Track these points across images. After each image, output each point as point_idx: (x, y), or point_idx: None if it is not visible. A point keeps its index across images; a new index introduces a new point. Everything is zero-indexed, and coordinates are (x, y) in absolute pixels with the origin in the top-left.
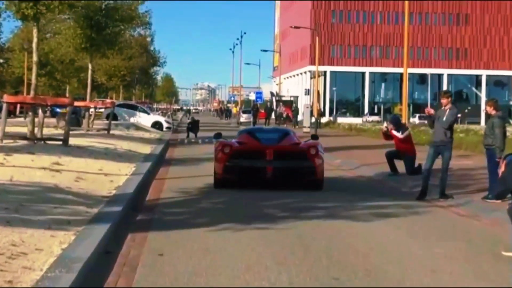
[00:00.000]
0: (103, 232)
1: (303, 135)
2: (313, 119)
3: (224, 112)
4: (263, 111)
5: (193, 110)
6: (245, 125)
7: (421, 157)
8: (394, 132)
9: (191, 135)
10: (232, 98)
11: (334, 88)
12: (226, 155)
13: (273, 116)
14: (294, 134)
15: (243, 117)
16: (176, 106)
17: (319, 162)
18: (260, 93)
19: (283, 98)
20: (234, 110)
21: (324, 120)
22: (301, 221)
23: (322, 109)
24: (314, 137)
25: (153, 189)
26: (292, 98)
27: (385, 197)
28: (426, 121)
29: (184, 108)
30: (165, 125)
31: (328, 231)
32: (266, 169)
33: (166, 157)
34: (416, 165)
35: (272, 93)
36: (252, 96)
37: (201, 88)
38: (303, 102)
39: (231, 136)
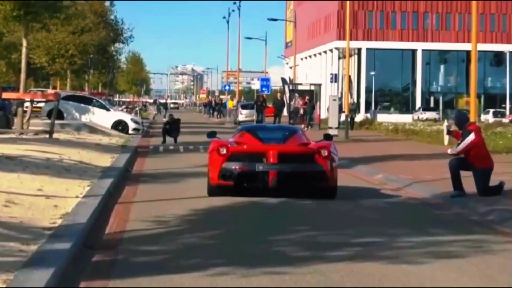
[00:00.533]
0: (44, 279)
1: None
2: (343, 117)
3: (216, 107)
4: (271, 105)
5: (171, 105)
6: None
7: (500, 170)
8: (467, 138)
9: (169, 140)
10: (227, 88)
11: (372, 73)
12: (222, 157)
13: (285, 112)
14: (303, 132)
15: (243, 115)
16: (147, 99)
17: (332, 166)
18: (267, 80)
19: (300, 87)
20: (229, 105)
21: (358, 118)
22: (327, 264)
23: (355, 102)
24: (327, 136)
25: (115, 217)
26: (312, 87)
27: (446, 229)
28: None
29: (159, 101)
30: (131, 125)
31: (364, 278)
32: (269, 173)
33: (134, 171)
34: (491, 182)
35: (284, 80)
36: (256, 85)
37: (182, 74)
38: (328, 93)
39: (227, 137)
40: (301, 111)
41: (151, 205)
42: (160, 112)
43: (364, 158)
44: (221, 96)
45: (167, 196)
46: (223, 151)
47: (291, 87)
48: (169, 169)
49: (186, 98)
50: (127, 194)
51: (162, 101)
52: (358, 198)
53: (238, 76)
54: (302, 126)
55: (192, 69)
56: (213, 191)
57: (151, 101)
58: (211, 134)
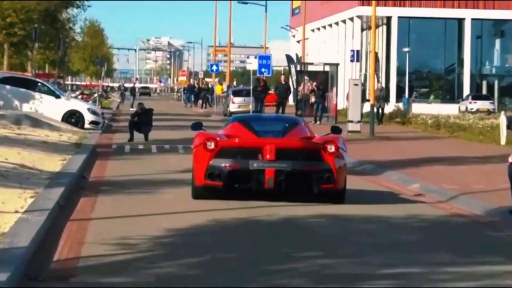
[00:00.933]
0: None
1: (348, 137)
2: (367, 107)
3: (201, 93)
4: (272, 91)
5: (141, 91)
6: None
7: None
8: None
9: (138, 136)
10: (215, 68)
11: (406, 49)
12: (209, 153)
13: (291, 100)
14: (306, 124)
15: (236, 104)
16: (109, 83)
17: (340, 164)
18: (267, 58)
19: (311, 68)
20: (218, 90)
21: (388, 109)
22: None
23: (383, 88)
24: (335, 129)
25: (67, 239)
26: (327, 68)
27: (503, 256)
28: None
29: (124, 86)
30: (88, 117)
31: None
32: (265, 172)
33: (91, 178)
34: None
35: (289, 59)
36: (253, 64)
37: (156, 49)
38: (347, 75)
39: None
40: (312, 99)
41: (114, 223)
42: (124, 100)
43: (395, 162)
44: (207, 80)
45: (135, 211)
46: (211, 145)
47: (298, 68)
48: (138, 176)
49: (160, 81)
50: (83, 208)
51: (129, 85)
52: (387, 215)
53: (229, 53)
54: (312, 122)
55: (169, 44)
56: (199, 193)
57: (115, 85)
58: (196, 126)
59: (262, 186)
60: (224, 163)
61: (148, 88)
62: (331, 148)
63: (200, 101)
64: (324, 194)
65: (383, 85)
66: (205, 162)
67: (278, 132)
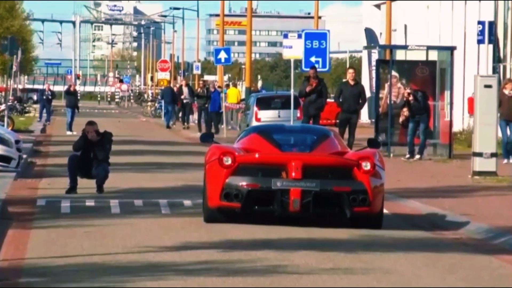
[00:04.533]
0: None
1: (475, 184)
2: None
3: (199, 102)
4: (330, 100)
5: (47, 94)
6: None
7: None
8: None
9: (85, 183)
10: (222, 57)
11: None
12: (226, 170)
13: (364, 115)
14: (337, 136)
15: (263, 122)
16: (25, 85)
17: (376, 184)
18: (322, 36)
19: (401, 54)
20: (231, 98)
21: None
22: None
23: None
24: (373, 142)
25: None
26: (433, 55)
27: None
28: None
29: (51, 91)
30: None
31: None
32: (290, 193)
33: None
34: None
35: (370, 35)
36: (293, 49)
37: (112, 22)
38: (469, 69)
39: None
40: (404, 114)
41: None
42: (50, 115)
43: None
44: (208, 79)
45: None
46: (228, 161)
47: (377, 53)
48: (86, 259)
49: (121, 81)
50: None
51: (68, 88)
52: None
53: (249, 28)
54: (407, 155)
55: (136, 11)
56: (212, 216)
57: (38, 88)
58: (206, 137)
59: (287, 208)
60: (243, 182)
61: (51, 93)
62: (367, 166)
63: (196, 118)
64: (357, 218)
65: None
66: (221, 180)
67: (305, 146)
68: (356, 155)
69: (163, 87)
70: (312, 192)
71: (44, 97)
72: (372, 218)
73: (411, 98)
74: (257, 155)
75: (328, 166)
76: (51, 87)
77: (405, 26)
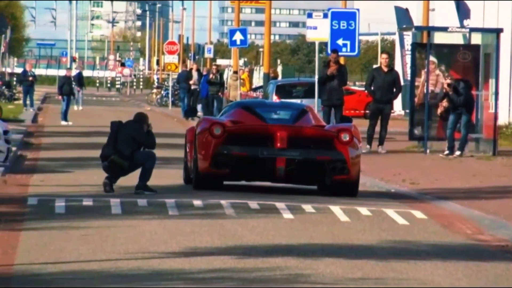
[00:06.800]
0: None
1: None
2: None
3: (212, 90)
4: (359, 88)
5: (22, 77)
6: None
7: None
8: None
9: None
10: (238, 38)
11: None
12: (216, 139)
13: (398, 106)
14: (313, 111)
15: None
16: (15, 69)
17: (354, 154)
18: (350, 16)
19: (440, 38)
20: (244, 85)
21: None
22: None
23: None
24: (345, 118)
25: None
26: (476, 38)
27: None
28: None
29: (31, 72)
30: None
31: None
32: (276, 161)
33: None
34: None
35: (401, 15)
36: (318, 30)
37: None
38: None
39: None
40: (443, 105)
41: None
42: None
43: None
44: (221, 63)
45: None
46: (218, 130)
47: (411, 35)
48: (83, 265)
49: (122, 65)
50: None
51: (56, 72)
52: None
53: (269, 8)
54: (446, 152)
55: None
56: (201, 182)
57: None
58: (190, 113)
59: (273, 175)
60: (232, 150)
61: (28, 75)
62: (346, 137)
63: (206, 107)
64: (336, 185)
65: None
66: (211, 149)
67: (288, 120)
68: (335, 128)
69: (179, 71)
70: (296, 160)
71: (30, 79)
72: (349, 185)
73: (450, 91)
74: (245, 126)
75: (311, 137)
76: (31, 70)
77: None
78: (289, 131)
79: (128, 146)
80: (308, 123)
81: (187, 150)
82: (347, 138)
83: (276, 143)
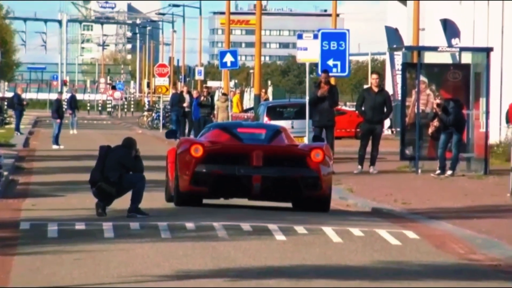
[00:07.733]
0: None
1: None
2: None
3: (203, 112)
4: (349, 108)
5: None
6: None
7: None
8: None
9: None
10: (228, 60)
11: None
12: (195, 159)
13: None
14: (286, 131)
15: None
16: (5, 93)
17: (326, 171)
18: (340, 37)
19: (431, 58)
20: (235, 107)
21: None
22: None
23: None
24: (317, 138)
25: None
26: (467, 57)
27: None
28: None
29: (21, 98)
30: None
31: None
32: (252, 178)
33: None
34: None
35: (391, 35)
36: (308, 51)
37: (103, 21)
38: (507, 73)
39: None
40: (434, 125)
41: None
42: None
43: None
44: (212, 85)
45: None
46: (197, 151)
47: (401, 55)
48: None
49: (113, 88)
50: None
51: (46, 96)
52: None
53: (258, 27)
54: (437, 171)
55: (130, 9)
56: (182, 199)
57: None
58: (171, 134)
59: (249, 192)
60: (210, 169)
61: (22, 99)
62: (318, 155)
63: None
64: (309, 201)
65: None
66: (191, 168)
67: (263, 140)
68: (308, 147)
69: (171, 93)
70: (271, 178)
71: (25, 103)
72: (322, 201)
73: (440, 111)
74: (223, 146)
75: (285, 156)
76: (21, 96)
77: (432, 24)
78: (264, 150)
79: (116, 171)
80: (282, 143)
81: (168, 170)
82: (319, 157)
83: (252, 162)
